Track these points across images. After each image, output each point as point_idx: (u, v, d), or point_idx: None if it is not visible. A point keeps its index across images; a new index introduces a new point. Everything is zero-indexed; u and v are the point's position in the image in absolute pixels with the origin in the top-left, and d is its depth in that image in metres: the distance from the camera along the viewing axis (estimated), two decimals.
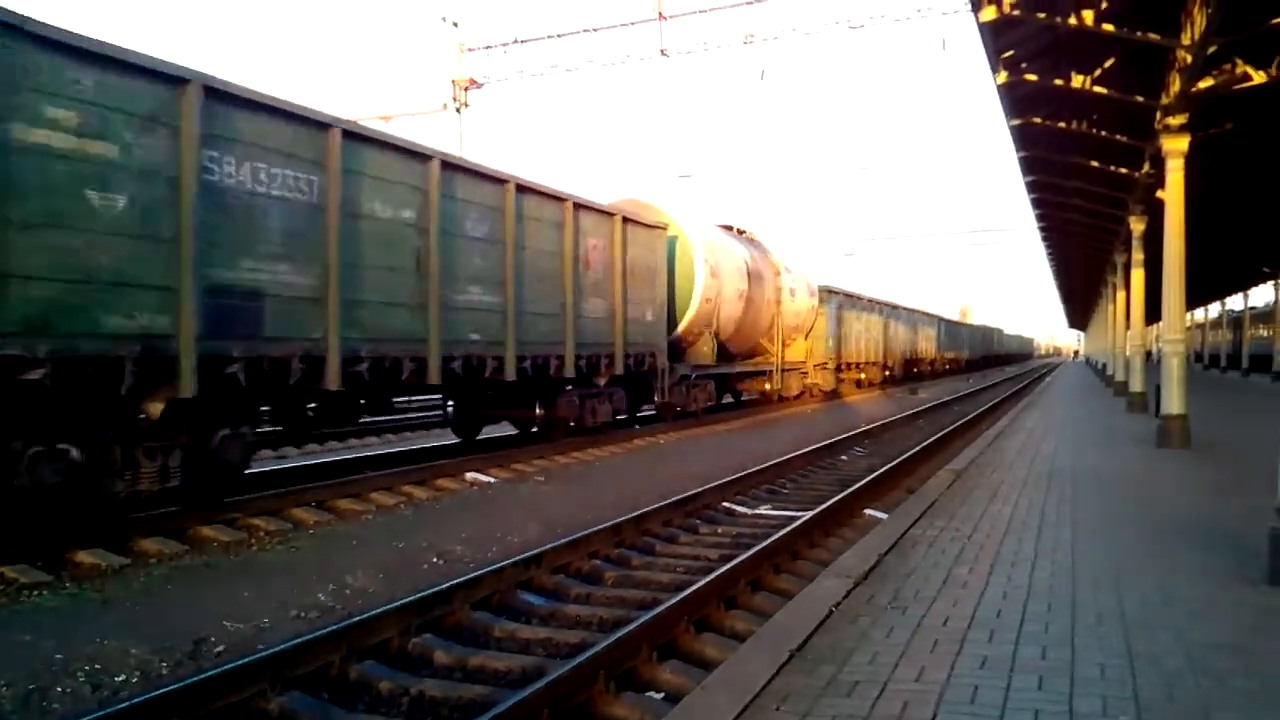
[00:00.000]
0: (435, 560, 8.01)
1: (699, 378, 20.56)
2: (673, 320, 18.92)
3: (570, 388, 15.46)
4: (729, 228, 24.37)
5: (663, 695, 5.05)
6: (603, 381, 15.93)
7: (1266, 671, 4.05)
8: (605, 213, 16.03)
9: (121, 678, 5.18)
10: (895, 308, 42.92)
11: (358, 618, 5.73)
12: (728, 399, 26.11)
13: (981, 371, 70.28)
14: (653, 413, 20.68)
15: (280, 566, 7.64)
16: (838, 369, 32.82)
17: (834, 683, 3.99)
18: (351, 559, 7.83)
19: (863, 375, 36.93)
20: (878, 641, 4.55)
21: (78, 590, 6.81)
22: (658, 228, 17.94)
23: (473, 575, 6.80)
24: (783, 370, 26.00)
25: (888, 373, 41.05)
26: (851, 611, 5.07)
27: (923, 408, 27.01)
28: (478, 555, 8.21)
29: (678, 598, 6.11)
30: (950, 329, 63.14)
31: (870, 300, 37.70)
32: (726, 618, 6.40)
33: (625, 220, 16.41)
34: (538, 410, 15.09)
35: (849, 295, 34.17)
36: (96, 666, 5.27)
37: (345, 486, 10.57)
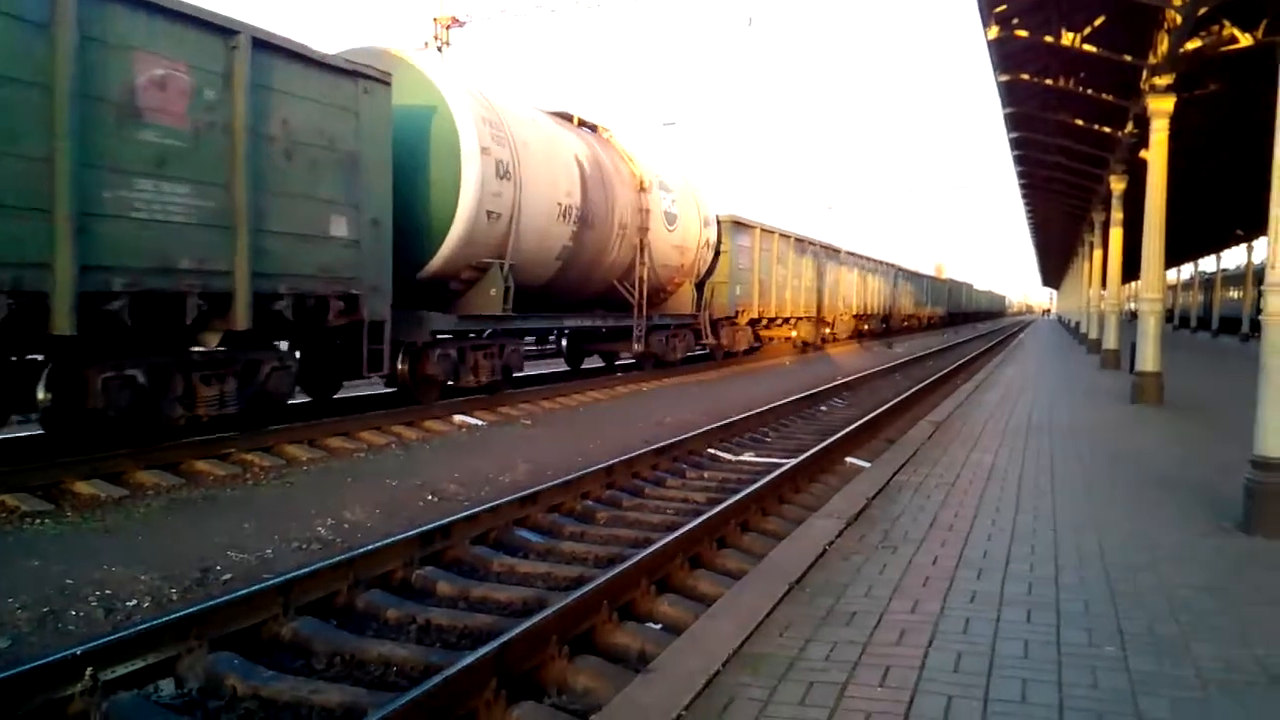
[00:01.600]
0: (430, 498, 8.16)
1: (493, 335, 14.04)
2: (419, 245, 12.13)
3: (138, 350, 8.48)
4: (566, 116, 17.03)
5: (661, 626, 5.24)
6: (215, 341, 8.89)
7: (1242, 611, 4.28)
8: (200, 22, 8.41)
9: (133, 602, 5.31)
10: (836, 251, 35.35)
11: (362, 549, 5.88)
12: (596, 363, 21.25)
13: (952, 329, 69.41)
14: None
15: (278, 500, 7.76)
16: (754, 324, 26.33)
17: (833, 613, 4.19)
18: (347, 495, 7.97)
19: (793, 333, 30.08)
20: (871, 577, 4.75)
21: (79, 519, 6.91)
22: (361, 77, 10.15)
23: (470, 512, 6.96)
24: (650, 329, 19.01)
25: (827, 330, 34.24)
26: (845, 550, 5.27)
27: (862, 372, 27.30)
28: (471, 494, 8.37)
29: (672, 536, 6.29)
30: (911, 281, 55.87)
31: (798, 239, 29.76)
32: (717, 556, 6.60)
33: (261, 45, 8.96)
34: (41, 394, 8.18)
35: (767, 230, 26.53)
36: (107, 591, 5.40)
37: (336, 425, 10.66)
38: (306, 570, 5.37)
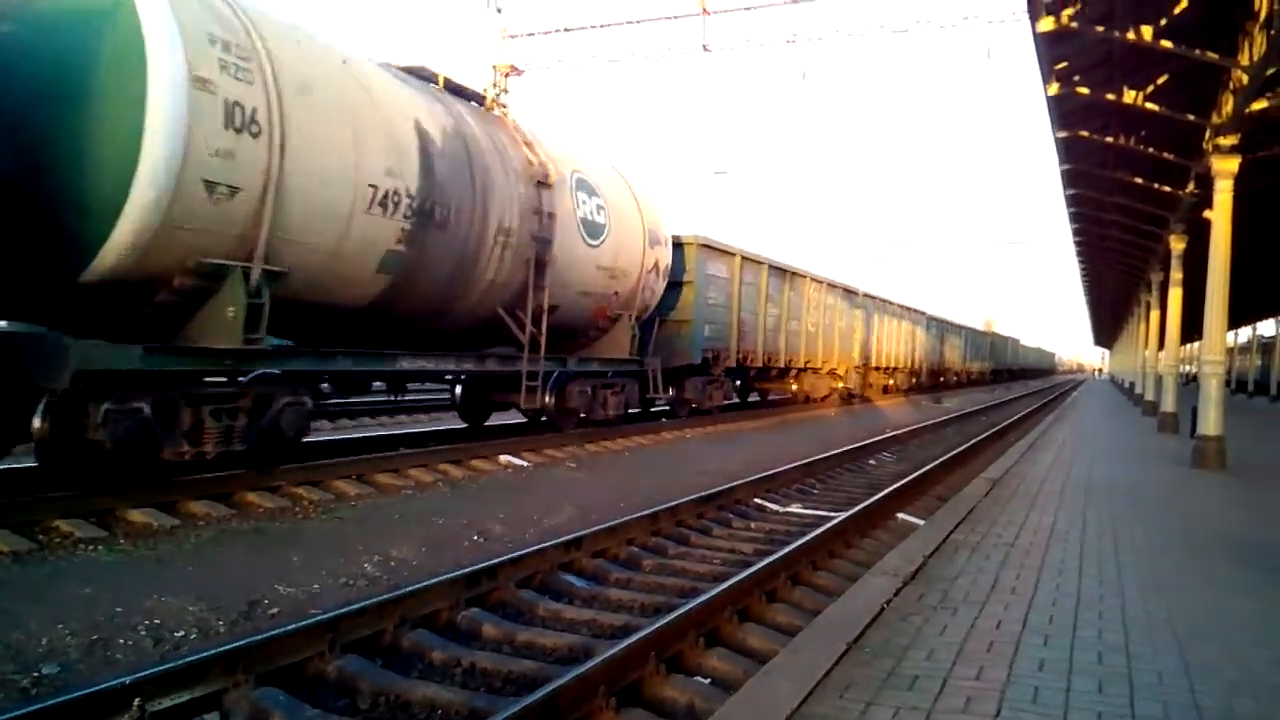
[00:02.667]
0: (475, 538, 8.12)
1: (259, 381, 9.10)
2: (78, 227, 7.68)
3: None
4: (425, 75, 11.99)
5: (710, 680, 5.10)
6: None
7: None
8: None
9: (181, 633, 5.30)
10: (853, 293, 30.52)
11: (409, 588, 5.82)
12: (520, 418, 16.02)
13: (1001, 386, 67.75)
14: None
15: (326, 535, 7.77)
16: (744, 370, 22.24)
17: (894, 675, 4.04)
18: (394, 532, 7.95)
19: (794, 387, 26.16)
20: (932, 639, 4.59)
21: (131, 548, 6.96)
22: None
23: (516, 554, 6.89)
24: (569, 377, 14.66)
25: (839, 384, 29.42)
26: (903, 609, 5.12)
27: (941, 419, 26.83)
28: (516, 535, 8.32)
29: (721, 587, 6.16)
30: (948, 332, 50.17)
31: (797, 274, 24.83)
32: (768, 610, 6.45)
33: None
34: None
35: (752, 260, 21.80)
36: (156, 621, 5.40)
37: (384, 461, 10.70)
38: (353, 608, 5.32)
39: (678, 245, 18.08)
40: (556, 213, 13.16)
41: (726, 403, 22.05)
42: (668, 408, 20.00)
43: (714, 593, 5.98)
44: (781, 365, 24.12)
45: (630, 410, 16.81)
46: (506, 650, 5.47)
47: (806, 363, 25.81)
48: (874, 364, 33.71)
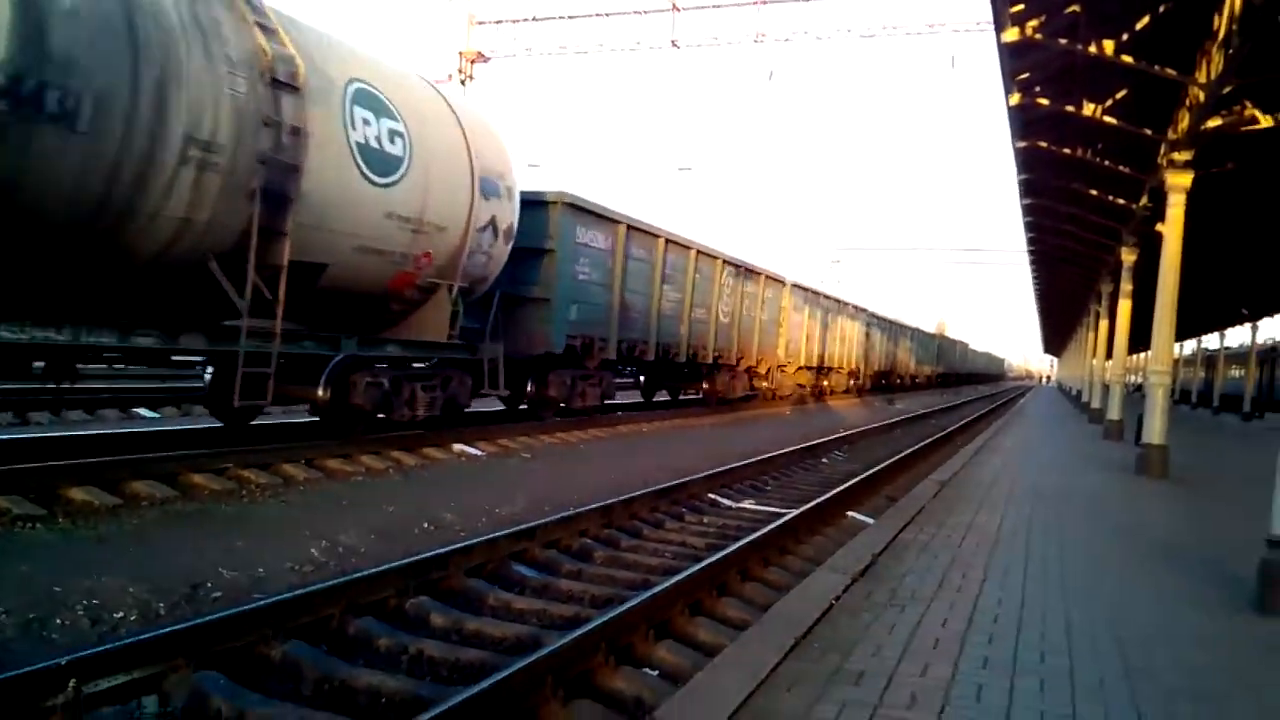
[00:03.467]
0: (426, 526, 8.04)
1: None
2: None
3: None
4: None
5: (658, 672, 5.09)
6: None
7: (1263, 697, 4.15)
8: None
9: (120, 614, 5.18)
10: (776, 280, 26.75)
11: (357, 574, 5.76)
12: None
13: (951, 390, 67.75)
14: None
15: (273, 519, 7.64)
16: (636, 362, 19.22)
17: (841, 671, 4.07)
18: (343, 518, 7.85)
19: (705, 386, 22.97)
20: (879, 636, 4.63)
21: (71, 526, 6.80)
22: None
23: (467, 543, 6.84)
24: (353, 363, 10.71)
25: (764, 384, 26.36)
26: (851, 606, 5.16)
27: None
28: (468, 524, 8.25)
29: (672, 580, 6.16)
30: (888, 331, 44.88)
31: (704, 252, 20.78)
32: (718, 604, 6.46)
33: None
34: None
35: (643, 231, 17.74)
36: (95, 601, 5.27)
37: (337, 447, 10.55)
38: (299, 592, 5.25)
39: (537, 203, 14.57)
40: (312, 130, 9.25)
41: (608, 403, 18.21)
42: (524, 407, 16.29)
43: (664, 585, 5.97)
44: (682, 360, 20.34)
45: (465, 410, 13.25)
46: (455, 639, 5.42)
47: (717, 358, 22.16)
48: (805, 363, 30.10)
